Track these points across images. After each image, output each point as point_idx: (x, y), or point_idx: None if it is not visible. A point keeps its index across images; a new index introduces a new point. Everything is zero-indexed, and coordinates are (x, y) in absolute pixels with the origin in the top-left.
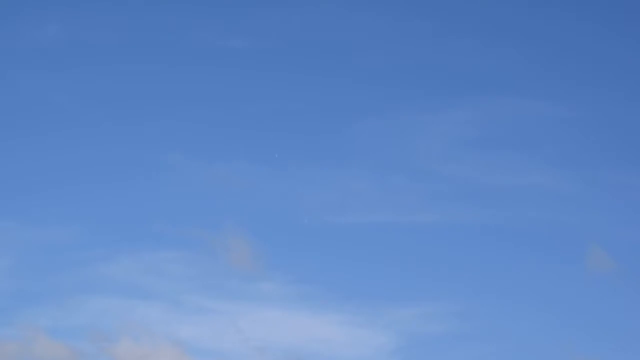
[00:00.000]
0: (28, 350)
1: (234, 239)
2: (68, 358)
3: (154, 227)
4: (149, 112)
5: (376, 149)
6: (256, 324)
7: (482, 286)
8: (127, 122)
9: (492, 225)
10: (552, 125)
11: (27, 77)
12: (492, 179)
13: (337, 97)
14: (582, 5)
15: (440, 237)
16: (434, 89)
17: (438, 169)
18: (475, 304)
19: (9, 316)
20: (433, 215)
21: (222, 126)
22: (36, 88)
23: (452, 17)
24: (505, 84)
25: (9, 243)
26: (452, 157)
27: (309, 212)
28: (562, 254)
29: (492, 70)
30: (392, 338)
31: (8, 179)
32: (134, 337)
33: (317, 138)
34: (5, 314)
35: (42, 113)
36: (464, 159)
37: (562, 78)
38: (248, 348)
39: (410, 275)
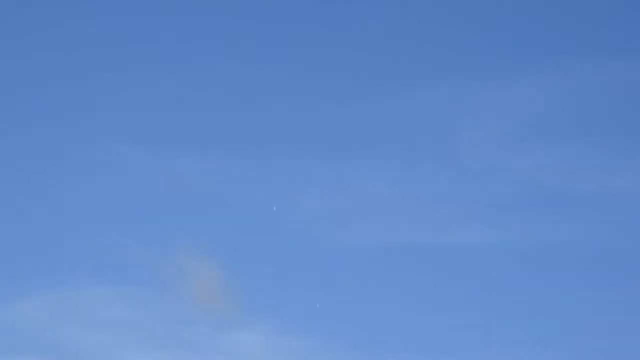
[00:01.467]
0: None
1: (196, 268)
2: None
3: (74, 253)
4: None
5: (398, 135)
6: None
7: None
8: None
9: (576, 247)
10: None
11: None
12: (574, 181)
13: (338, 66)
14: None
15: (502, 265)
16: (486, 51)
17: (491, 166)
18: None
19: None
20: (486, 232)
21: (180, 106)
22: None
23: None
24: (591, 41)
25: None
26: (511, 149)
27: (305, 227)
28: None
29: (572, 23)
30: None
31: None
32: None
33: (314, 121)
34: None
35: None
36: (530, 151)
37: None
38: None
39: (460, 323)
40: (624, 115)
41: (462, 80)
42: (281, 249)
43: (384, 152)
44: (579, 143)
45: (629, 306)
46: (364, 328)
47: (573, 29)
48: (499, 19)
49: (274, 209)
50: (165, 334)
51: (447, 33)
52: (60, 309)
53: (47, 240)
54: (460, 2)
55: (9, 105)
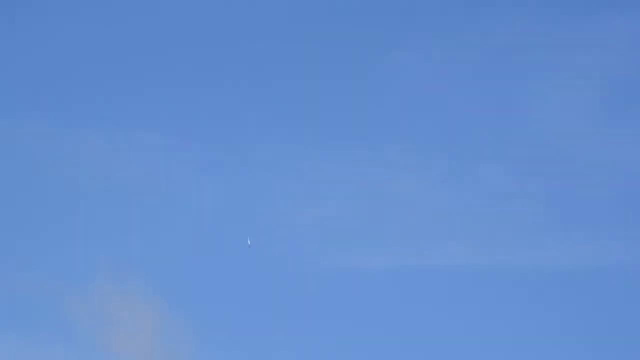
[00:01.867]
0: None
1: (122, 303)
2: None
3: None
4: None
5: (433, 111)
6: None
7: None
8: None
9: None
10: None
11: None
12: None
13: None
14: None
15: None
16: None
17: (574, 152)
18: None
19: None
20: (569, 253)
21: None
22: None
23: None
24: None
25: None
26: (605, 124)
27: (290, 243)
28: None
29: None
30: None
31: None
32: None
33: (312, 91)
34: None
35: None
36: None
37: None
38: None
39: None
40: None
41: (530, 23)
42: (253, 274)
43: (415, 136)
44: None
45: None
46: None
47: None
48: None
49: (249, 243)
50: None
51: None
52: None
53: None
54: None
55: None
